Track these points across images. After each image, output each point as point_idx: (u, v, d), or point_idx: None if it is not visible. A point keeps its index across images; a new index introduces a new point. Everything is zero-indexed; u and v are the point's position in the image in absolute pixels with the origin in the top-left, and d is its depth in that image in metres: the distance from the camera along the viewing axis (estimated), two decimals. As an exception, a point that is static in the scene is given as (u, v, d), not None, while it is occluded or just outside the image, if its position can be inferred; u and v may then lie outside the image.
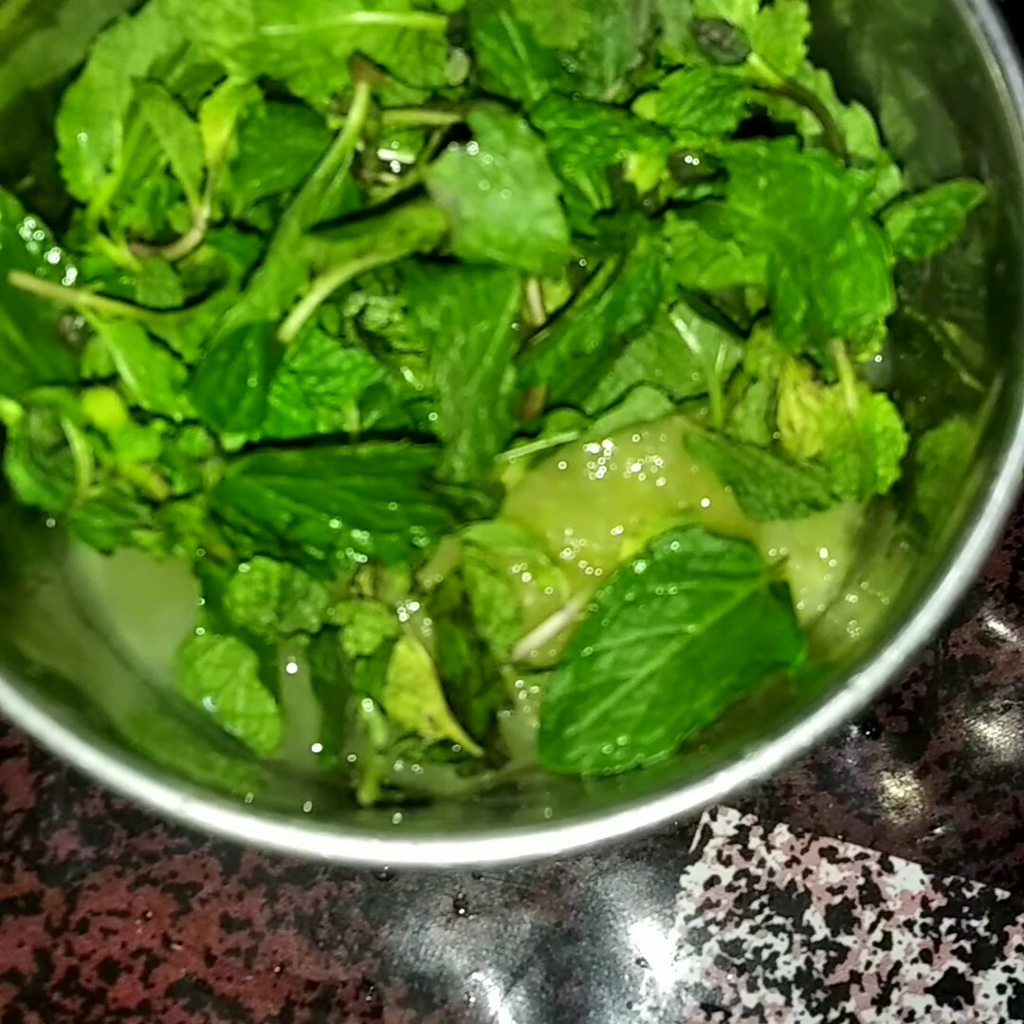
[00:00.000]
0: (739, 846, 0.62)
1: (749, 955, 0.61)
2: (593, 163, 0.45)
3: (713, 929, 0.61)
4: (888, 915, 0.62)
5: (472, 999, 0.61)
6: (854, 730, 0.63)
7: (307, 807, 0.42)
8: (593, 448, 0.48)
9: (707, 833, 0.62)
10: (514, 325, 0.46)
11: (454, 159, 0.41)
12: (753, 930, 0.61)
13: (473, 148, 0.41)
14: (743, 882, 0.61)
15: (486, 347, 0.43)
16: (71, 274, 0.46)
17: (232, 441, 0.44)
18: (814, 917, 0.62)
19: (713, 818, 0.62)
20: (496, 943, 0.61)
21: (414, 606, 0.47)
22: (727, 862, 0.62)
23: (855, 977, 0.62)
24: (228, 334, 0.43)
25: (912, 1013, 0.61)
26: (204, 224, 0.47)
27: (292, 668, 0.49)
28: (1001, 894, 0.62)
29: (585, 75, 0.47)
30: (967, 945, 0.62)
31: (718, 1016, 0.61)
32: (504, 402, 0.43)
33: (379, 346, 0.46)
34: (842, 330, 0.43)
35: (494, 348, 0.43)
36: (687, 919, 0.61)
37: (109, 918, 0.60)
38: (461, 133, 0.42)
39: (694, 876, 0.62)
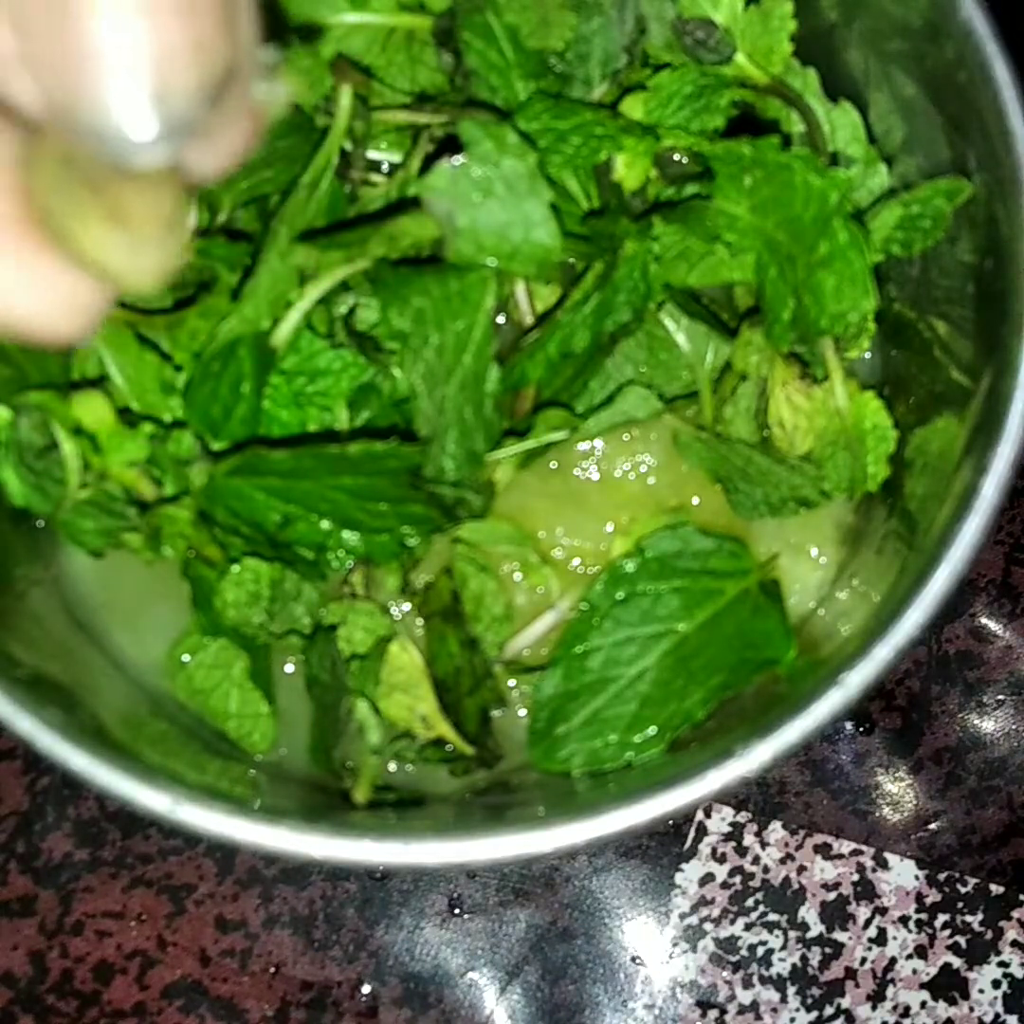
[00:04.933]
0: (733, 843, 0.62)
1: (744, 952, 0.61)
2: (578, 163, 0.45)
3: (708, 926, 0.61)
4: (883, 911, 0.62)
5: (467, 998, 0.61)
6: (848, 727, 0.63)
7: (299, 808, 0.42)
8: (583, 447, 0.48)
9: (701, 830, 0.62)
10: (500, 324, 0.47)
11: (445, 172, 0.42)
12: (748, 927, 0.62)
13: (464, 159, 0.41)
14: (737, 879, 0.62)
15: (464, 346, 0.43)
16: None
17: (218, 443, 0.44)
18: (809, 914, 0.62)
19: (707, 815, 0.62)
20: (491, 942, 0.61)
21: (406, 606, 0.48)
22: (722, 859, 0.62)
23: (850, 973, 0.62)
24: (221, 346, 0.43)
25: (907, 1009, 0.61)
26: (192, 226, 0.47)
27: (289, 668, 0.49)
28: (996, 889, 0.62)
29: (572, 76, 0.47)
30: (962, 941, 0.62)
31: (713, 1013, 0.61)
32: (490, 401, 0.44)
33: (369, 346, 0.46)
34: (829, 328, 0.43)
35: (473, 347, 0.43)
36: (682, 917, 0.61)
37: (103, 920, 0.60)
38: (452, 144, 0.42)
39: (689, 873, 0.62)
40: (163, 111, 0.19)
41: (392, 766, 0.47)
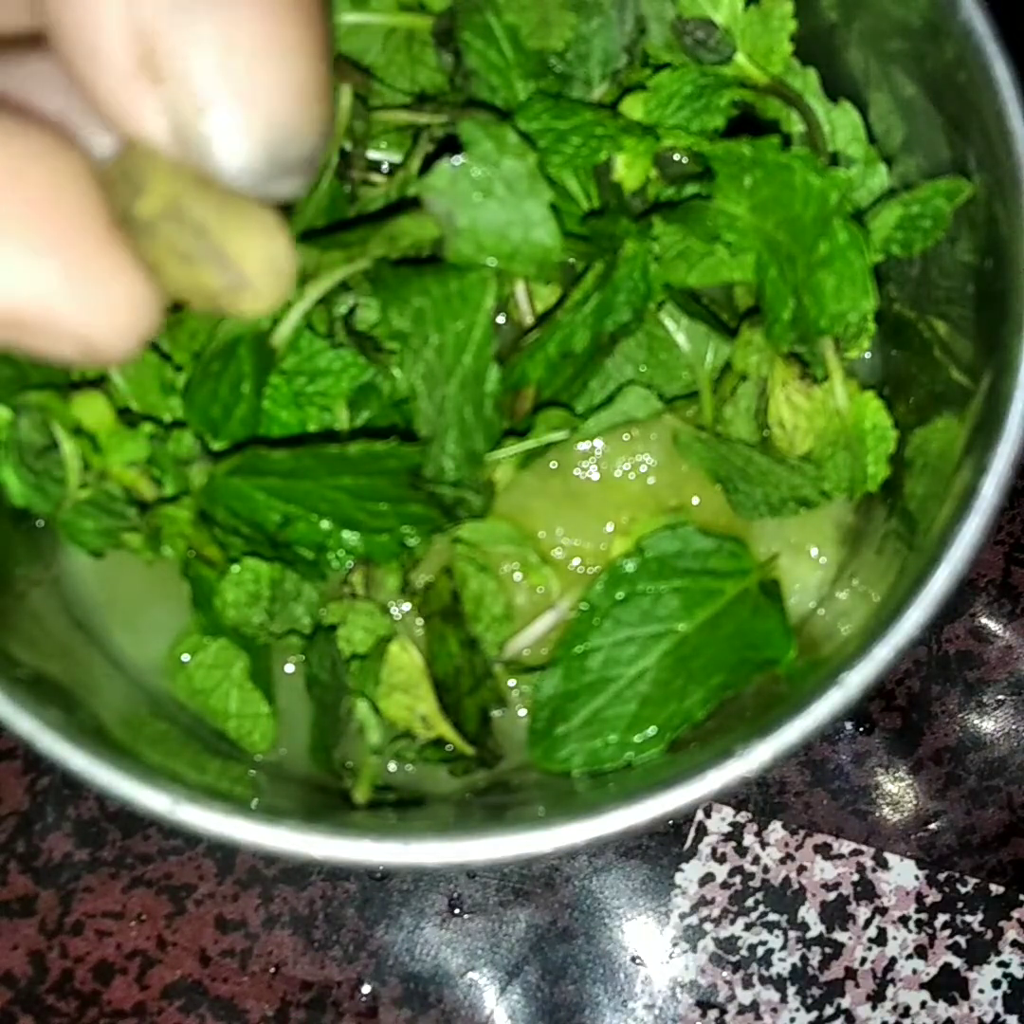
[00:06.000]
0: (733, 843, 0.62)
1: (744, 952, 0.61)
2: (578, 163, 0.45)
3: (708, 926, 0.61)
4: (883, 911, 0.62)
5: (467, 998, 0.61)
6: (848, 727, 0.63)
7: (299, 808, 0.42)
8: (583, 447, 0.48)
9: (701, 830, 0.62)
10: (500, 324, 0.47)
11: (445, 172, 0.42)
12: (748, 927, 0.62)
13: (464, 159, 0.41)
14: (737, 879, 0.62)
15: (464, 346, 0.43)
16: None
17: (218, 443, 0.44)
18: (809, 914, 0.62)
19: (707, 815, 0.62)
20: (491, 942, 0.61)
21: (406, 606, 0.48)
22: (722, 859, 0.62)
23: (850, 973, 0.62)
24: (221, 346, 0.43)
25: (907, 1009, 0.61)
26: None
27: (289, 668, 0.49)
28: (996, 889, 0.62)
29: (572, 76, 0.47)
30: (962, 941, 0.62)
31: (713, 1013, 0.61)
32: (490, 401, 0.44)
33: (369, 346, 0.46)
34: (829, 329, 0.43)
35: (473, 347, 0.43)
36: (682, 917, 0.61)
37: (103, 920, 0.60)
38: (452, 144, 0.42)
39: (689, 873, 0.62)
40: (302, 147, 0.21)
41: (392, 766, 0.47)
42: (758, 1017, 0.61)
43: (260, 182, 0.21)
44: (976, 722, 0.64)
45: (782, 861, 0.62)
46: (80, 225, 0.21)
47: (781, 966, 0.61)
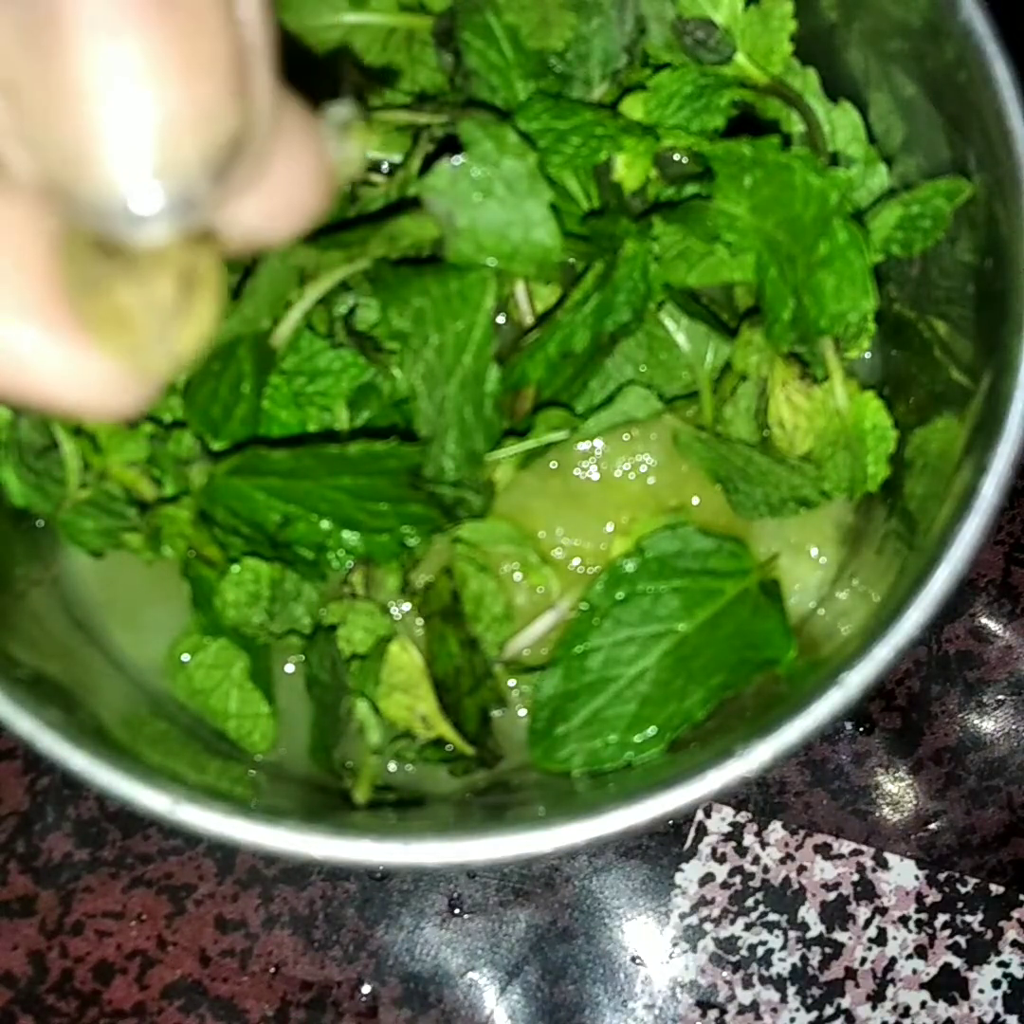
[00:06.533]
0: (733, 843, 0.62)
1: (744, 952, 0.61)
2: (578, 163, 0.45)
3: (708, 926, 0.61)
4: (883, 911, 0.62)
5: (467, 998, 0.61)
6: (848, 727, 0.63)
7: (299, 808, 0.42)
8: (583, 447, 0.48)
9: (701, 830, 0.62)
10: (500, 324, 0.47)
11: (445, 172, 0.42)
12: (748, 927, 0.61)
13: (464, 159, 0.41)
14: (737, 879, 0.62)
15: (464, 346, 0.43)
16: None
17: (218, 443, 0.44)
18: (809, 914, 0.62)
19: (707, 815, 0.62)
20: (491, 942, 0.61)
21: (406, 606, 0.48)
22: (722, 859, 0.62)
23: (850, 973, 0.62)
24: (221, 346, 0.43)
25: (907, 1009, 0.61)
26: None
27: (289, 668, 0.49)
28: (996, 889, 0.62)
29: (572, 76, 0.47)
30: (962, 941, 0.62)
31: (713, 1013, 0.61)
32: (490, 400, 0.44)
33: (369, 346, 0.46)
34: (829, 329, 0.43)
35: (473, 347, 0.43)
36: (682, 917, 0.61)
37: (104, 920, 0.60)
38: (452, 144, 0.42)
39: (689, 873, 0.62)
40: (164, 185, 0.18)
41: (392, 766, 0.47)
42: (758, 1017, 0.61)
43: (115, 225, 0.18)
44: (976, 722, 0.64)
45: (782, 861, 0.62)
46: (47, 287, 0.19)
47: (781, 966, 0.61)
